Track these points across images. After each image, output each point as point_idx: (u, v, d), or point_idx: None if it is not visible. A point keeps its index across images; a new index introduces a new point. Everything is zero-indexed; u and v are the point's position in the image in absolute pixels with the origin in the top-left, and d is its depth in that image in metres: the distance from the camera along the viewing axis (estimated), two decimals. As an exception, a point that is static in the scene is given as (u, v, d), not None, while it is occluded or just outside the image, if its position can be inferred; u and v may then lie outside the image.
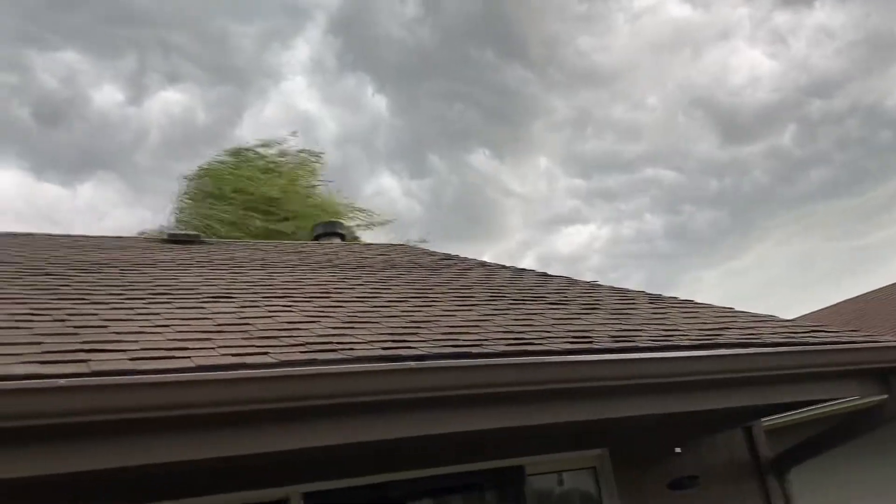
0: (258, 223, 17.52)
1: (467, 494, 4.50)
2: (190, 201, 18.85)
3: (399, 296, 5.27)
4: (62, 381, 2.52)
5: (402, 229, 21.02)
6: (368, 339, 3.71)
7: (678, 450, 4.78)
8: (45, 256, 6.00)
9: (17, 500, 2.96)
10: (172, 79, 28.91)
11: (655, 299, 5.81)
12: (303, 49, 30.54)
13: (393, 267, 6.87)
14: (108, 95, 27.56)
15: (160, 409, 2.71)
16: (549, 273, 6.93)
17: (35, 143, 26.29)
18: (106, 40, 26.14)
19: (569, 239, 34.02)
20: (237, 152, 19.58)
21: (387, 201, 29.15)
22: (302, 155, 20.24)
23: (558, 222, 34.47)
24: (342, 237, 10.90)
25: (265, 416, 2.98)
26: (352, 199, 20.19)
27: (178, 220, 18.47)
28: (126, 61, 27.76)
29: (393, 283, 5.95)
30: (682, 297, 6.00)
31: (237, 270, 6.00)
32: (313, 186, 19.95)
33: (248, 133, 29.37)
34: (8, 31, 24.79)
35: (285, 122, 29.21)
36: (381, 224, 19.87)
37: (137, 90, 27.85)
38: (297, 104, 29.71)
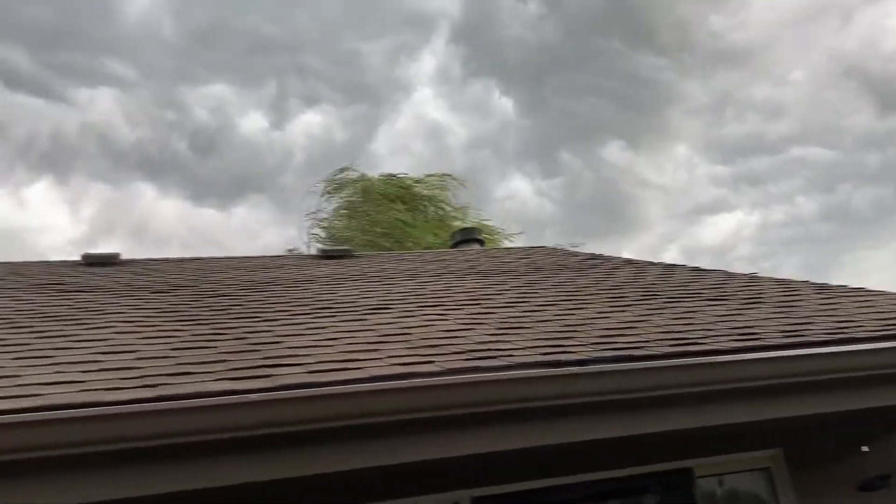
0: (386, 245, 18.16)
1: (634, 498, 4.41)
2: (328, 219, 19.88)
3: (548, 300, 5.26)
4: (254, 396, 2.74)
5: (536, 230, 21.04)
6: (524, 344, 3.74)
7: (865, 448, 4.44)
8: (218, 278, 6.50)
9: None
10: (310, 101, 30.46)
11: (822, 289, 5.46)
12: (429, 60, 31.23)
13: (537, 270, 6.88)
14: (253, 122, 29.47)
15: (340, 419, 2.88)
16: (703, 268, 6.68)
17: (192, 172, 28.53)
18: (248, 71, 27.99)
19: (714, 229, 32.48)
20: (368, 182, 20.36)
21: (518, 204, 29.15)
22: (431, 178, 20.80)
23: (701, 212, 33.00)
24: (481, 243, 11.03)
25: (434, 423, 3.09)
26: (481, 216, 20.50)
27: (318, 237, 19.52)
28: (267, 89, 29.58)
29: (539, 286, 5.95)
30: (846, 282, 5.60)
31: (389, 282, 6.23)
32: (443, 210, 20.46)
33: (382, 147, 30.34)
34: (164, 72, 27.11)
35: (416, 133, 29.94)
36: (511, 237, 20.05)
37: (280, 115, 29.60)
38: (427, 114, 30.43)
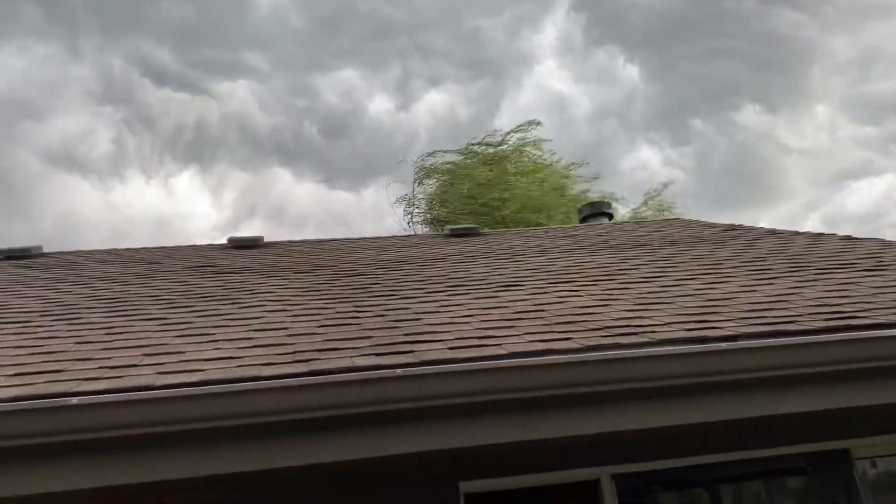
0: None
1: (785, 479, 4.20)
2: (434, 199, 19.98)
3: (687, 273, 5.08)
4: (399, 371, 2.82)
5: (665, 201, 20.27)
6: (666, 320, 3.63)
7: None
8: (354, 258, 6.74)
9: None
10: (434, 81, 30.77)
11: None
12: (550, 31, 30.70)
13: (673, 244, 6.64)
14: (380, 105, 30.15)
15: (482, 395, 2.93)
16: (854, 236, 6.21)
17: (325, 156, 29.66)
18: (373, 54, 28.63)
19: (860, 195, 30.10)
20: (473, 153, 20.17)
21: (647, 175, 28.22)
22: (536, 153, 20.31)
23: (846, 177, 30.72)
24: (609, 217, 10.77)
25: (574, 400, 3.07)
26: (601, 188, 19.86)
27: (414, 222, 19.70)
28: (392, 71, 30.14)
29: (677, 260, 5.75)
30: None
31: (518, 258, 6.22)
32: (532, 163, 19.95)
33: (506, 122, 30.29)
34: (295, 60, 28.22)
35: (540, 105, 29.56)
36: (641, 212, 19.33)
37: (405, 96, 30.10)
38: (550, 86, 29.96)
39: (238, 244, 7.83)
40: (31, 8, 25.16)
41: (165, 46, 28.02)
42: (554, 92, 29.44)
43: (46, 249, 7.67)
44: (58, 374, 3.00)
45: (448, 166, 20.15)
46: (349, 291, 4.97)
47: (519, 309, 4.04)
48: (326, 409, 2.81)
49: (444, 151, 20.48)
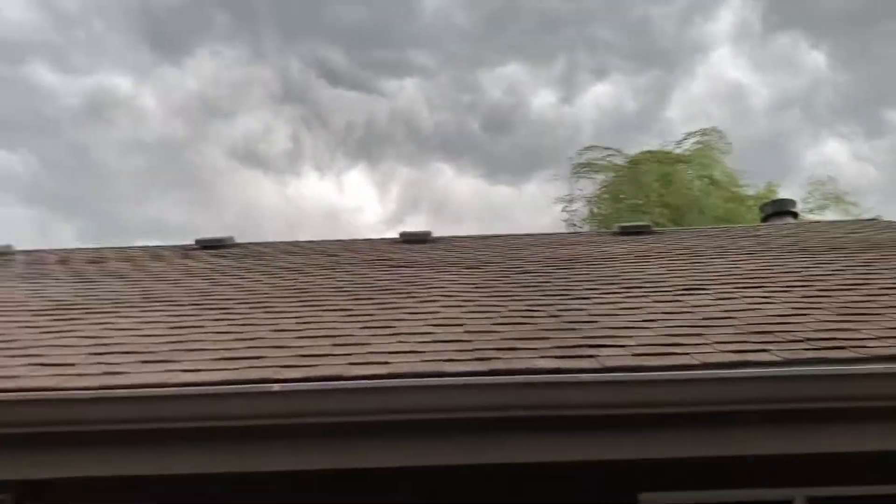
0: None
1: None
2: (596, 197, 19.42)
3: (895, 282, 4.58)
4: (585, 377, 2.76)
5: (854, 198, 18.56)
6: (876, 333, 3.29)
7: None
8: (521, 255, 6.71)
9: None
10: (599, 74, 30.16)
11: None
12: (725, 17, 29.03)
13: (874, 247, 6.03)
14: (544, 99, 29.97)
15: (668, 406, 2.79)
16: None
17: (486, 150, 29.96)
18: (538, 49, 28.50)
19: None
20: (637, 159, 19.40)
21: (833, 169, 25.97)
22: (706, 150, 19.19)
23: None
24: (794, 216, 9.99)
25: (769, 416, 2.86)
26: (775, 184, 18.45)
27: (590, 214, 19.17)
28: (557, 64, 29.86)
29: (880, 265, 5.20)
30: None
31: (698, 260, 5.91)
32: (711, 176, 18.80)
33: (675, 114, 28.99)
34: (464, 58, 28.71)
35: (713, 96, 28.04)
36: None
37: (569, 89, 29.72)
38: (725, 75, 28.35)
39: (408, 239, 8.06)
40: (221, 15, 27.40)
41: (339, 48, 29.52)
42: (729, 81, 27.85)
43: (236, 240, 8.30)
44: (258, 360, 3.21)
45: (608, 163, 19.64)
46: (520, 289, 4.94)
47: (705, 315, 3.82)
48: (507, 410, 2.80)
49: (606, 148, 19.99)
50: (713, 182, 18.69)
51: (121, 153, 29.61)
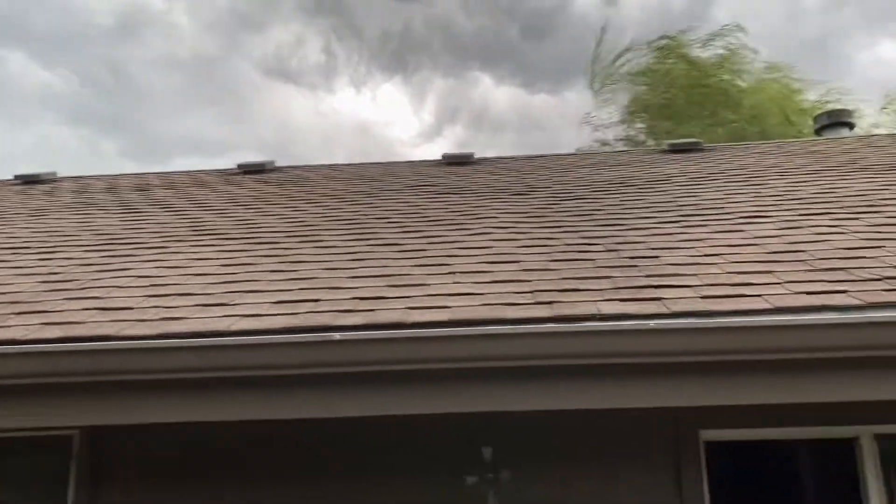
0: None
1: None
2: (631, 107, 18.62)
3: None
4: (652, 324, 2.67)
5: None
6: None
7: None
8: (568, 178, 6.53)
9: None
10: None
11: None
12: None
13: (945, 165, 5.72)
14: (586, 0, 28.62)
15: (740, 353, 2.69)
16: None
17: (526, 58, 29.00)
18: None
19: None
20: (669, 49, 18.35)
21: (888, 72, 24.66)
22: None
23: None
24: (851, 127, 9.54)
25: (846, 363, 2.75)
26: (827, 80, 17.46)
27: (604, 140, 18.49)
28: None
29: (953, 187, 4.94)
30: None
31: (755, 182, 5.68)
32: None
33: (723, 13, 27.52)
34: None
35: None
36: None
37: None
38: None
39: (451, 161, 7.90)
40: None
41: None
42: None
43: (277, 163, 8.21)
44: (315, 303, 3.17)
45: (642, 67, 18.69)
46: (572, 219, 4.81)
47: (771, 248, 3.67)
48: (572, 358, 2.73)
49: (638, 48, 18.90)
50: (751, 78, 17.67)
51: (156, 70, 29.41)
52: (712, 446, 3.43)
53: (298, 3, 30.17)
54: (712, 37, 18.19)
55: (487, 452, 3.28)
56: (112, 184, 7.52)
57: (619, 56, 18.74)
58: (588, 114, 18.92)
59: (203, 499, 3.38)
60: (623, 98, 18.85)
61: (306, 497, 3.37)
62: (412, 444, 3.36)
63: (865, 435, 3.55)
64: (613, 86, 18.82)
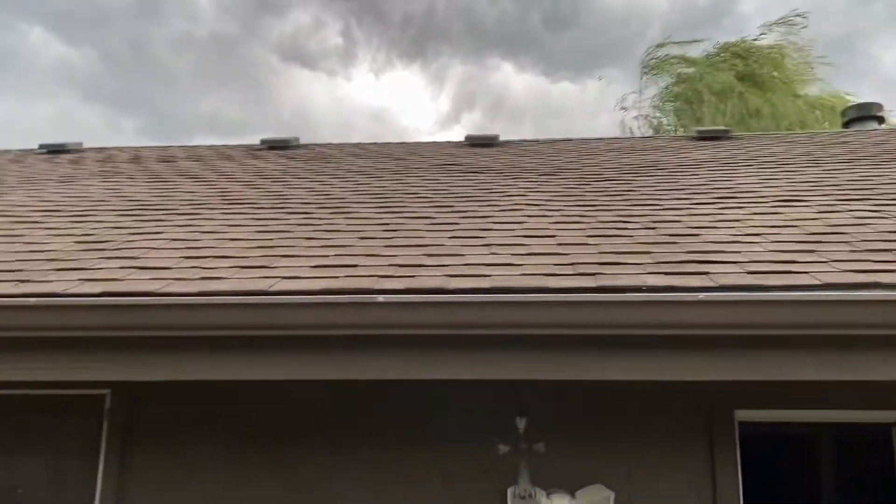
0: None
1: None
2: (664, 100, 18.47)
3: None
4: (701, 296, 2.63)
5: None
6: None
7: None
8: (596, 161, 6.48)
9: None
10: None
11: None
12: None
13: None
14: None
15: (787, 328, 2.66)
16: None
17: (547, 46, 28.78)
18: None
19: None
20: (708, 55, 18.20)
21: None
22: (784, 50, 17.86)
23: None
24: (880, 121, 9.43)
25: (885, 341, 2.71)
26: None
27: (654, 118, 18.31)
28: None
29: None
30: None
31: (787, 168, 5.62)
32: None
33: (749, 5, 27.16)
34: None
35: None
36: None
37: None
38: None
39: (475, 142, 7.85)
40: None
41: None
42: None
43: (300, 141, 8.18)
44: (354, 268, 3.16)
45: (679, 62, 18.55)
46: (605, 198, 4.77)
47: (812, 230, 3.63)
48: (617, 328, 2.70)
49: (677, 43, 18.80)
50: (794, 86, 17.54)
51: (175, 50, 29.41)
52: (747, 427, 3.40)
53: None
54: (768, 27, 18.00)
55: (521, 422, 3.27)
56: (136, 154, 7.53)
57: (657, 47, 18.67)
58: (623, 97, 18.84)
59: (235, 459, 3.39)
60: (661, 87, 18.75)
61: (335, 460, 3.37)
62: (443, 411, 3.34)
63: (904, 420, 3.52)
64: (656, 75, 18.72)
